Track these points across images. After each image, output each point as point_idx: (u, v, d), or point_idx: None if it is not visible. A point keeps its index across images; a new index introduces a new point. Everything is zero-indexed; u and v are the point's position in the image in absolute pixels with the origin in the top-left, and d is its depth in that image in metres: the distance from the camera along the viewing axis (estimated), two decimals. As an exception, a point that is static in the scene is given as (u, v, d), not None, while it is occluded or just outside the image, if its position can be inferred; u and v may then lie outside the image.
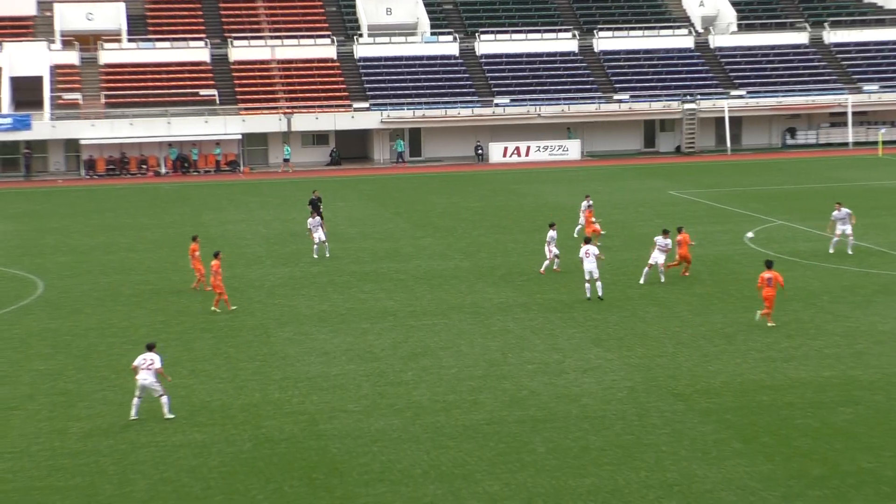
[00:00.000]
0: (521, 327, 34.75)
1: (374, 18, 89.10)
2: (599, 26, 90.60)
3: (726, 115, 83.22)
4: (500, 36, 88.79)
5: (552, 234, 42.49)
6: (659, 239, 40.38)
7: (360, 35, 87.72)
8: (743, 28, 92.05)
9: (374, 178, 74.22)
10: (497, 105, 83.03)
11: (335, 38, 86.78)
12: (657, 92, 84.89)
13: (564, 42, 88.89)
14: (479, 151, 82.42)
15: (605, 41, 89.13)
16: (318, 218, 47.11)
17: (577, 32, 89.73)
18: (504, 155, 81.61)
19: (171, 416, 26.65)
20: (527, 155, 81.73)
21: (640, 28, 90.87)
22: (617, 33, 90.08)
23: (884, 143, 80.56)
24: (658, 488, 22.42)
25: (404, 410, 27.18)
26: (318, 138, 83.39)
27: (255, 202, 63.91)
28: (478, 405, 27.49)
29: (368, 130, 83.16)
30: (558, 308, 37.05)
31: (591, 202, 50.06)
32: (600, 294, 37.71)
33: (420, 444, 24.92)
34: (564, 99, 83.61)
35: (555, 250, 42.42)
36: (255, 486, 22.92)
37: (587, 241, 38.52)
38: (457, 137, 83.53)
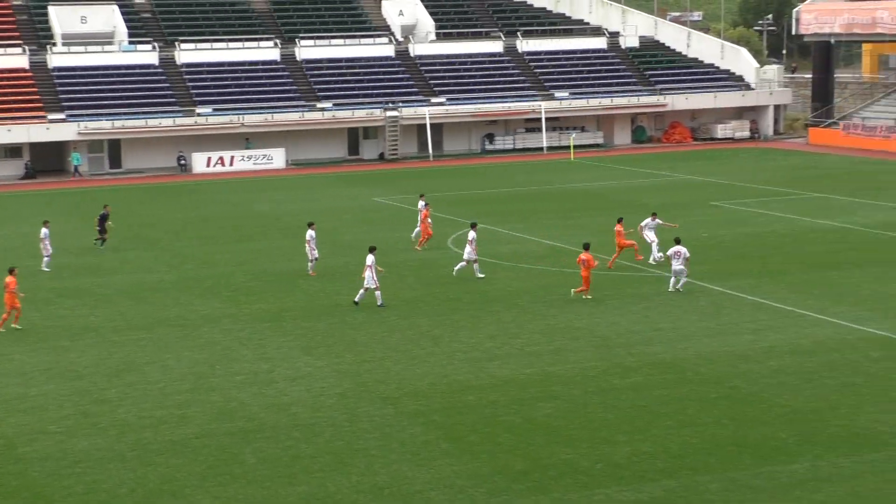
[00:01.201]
0: (229, 338, 34.47)
1: (69, 27, 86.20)
2: (301, 35, 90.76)
3: (427, 122, 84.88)
4: (200, 45, 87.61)
5: (311, 233, 42.69)
6: (471, 234, 41.59)
7: (54, 44, 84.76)
8: (441, 37, 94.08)
9: (72, 192, 71.89)
10: (199, 115, 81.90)
11: (27, 48, 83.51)
12: (360, 100, 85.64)
13: (266, 51, 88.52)
14: (182, 162, 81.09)
15: (307, 50, 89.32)
16: (46, 230, 45.53)
17: (278, 41, 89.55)
18: (208, 165, 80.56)
19: None
20: (231, 165, 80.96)
21: (341, 37, 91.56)
22: (319, 42, 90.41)
23: (575, 147, 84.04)
24: (369, 492, 22.72)
25: (109, 429, 26.51)
26: (11, 151, 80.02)
27: (-56, 219, 60.84)
28: (186, 419, 27.11)
29: (65, 142, 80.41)
30: (266, 318, 36.95)
31: (425, 202, 49.81)
32: (379, 303, 37.80)
33: (126, 463, 24.37)
34: (268, 108, 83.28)
35: (315, 252, 42.60)
36: (-49, 516, 21.89)
37: (371, 249, 38.51)
38: (159, 148, 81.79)
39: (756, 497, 22.03)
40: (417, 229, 48.85)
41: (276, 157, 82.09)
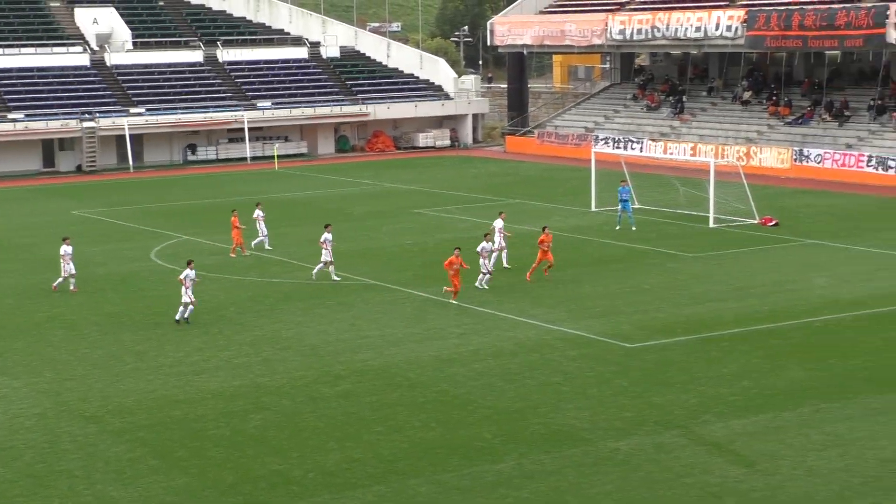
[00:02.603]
0: (-83, 362, 32.66)
1: None
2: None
3: (127, 133, 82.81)
4: None
5: (66, 248, 40.98)
6: (326, 236, 41.20)
7: None
8: (139, 46, 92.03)
9: None
10: None
11: None
12: (54, 111, 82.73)
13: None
14: None
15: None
16: None
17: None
18: None
19: None
20: (-85, 179, 76.82)
21: (32, 45, 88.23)
22: (7, 50, 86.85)
23: (279, 156, 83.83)
24: (73, 515, 21.99)
25: None
26: None
27: None
28: None
29: None
30: (-42, 339, 35.21)
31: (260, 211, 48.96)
32: (186, 316, 36.23)
33: None
34: (-46, 119, 79.43)
35: (69, 268, 40.92)
36: None
37: (189, 263, 36.93)
38: None
39: (464, 498, 22.53)
40: (261, 238, 48.41)
41: (-35, 171, 78.31)
